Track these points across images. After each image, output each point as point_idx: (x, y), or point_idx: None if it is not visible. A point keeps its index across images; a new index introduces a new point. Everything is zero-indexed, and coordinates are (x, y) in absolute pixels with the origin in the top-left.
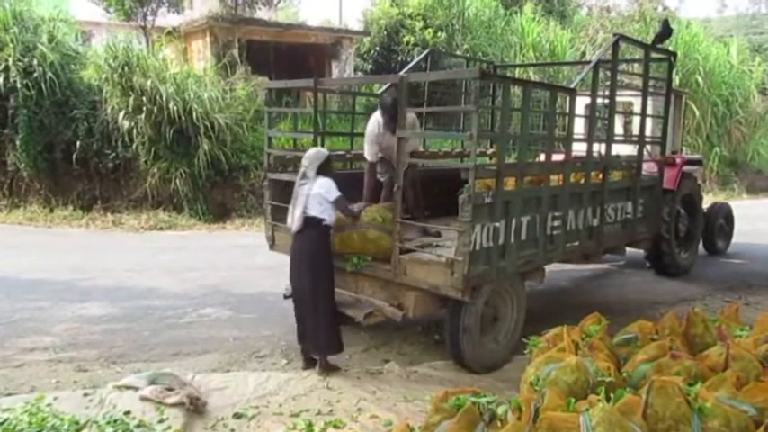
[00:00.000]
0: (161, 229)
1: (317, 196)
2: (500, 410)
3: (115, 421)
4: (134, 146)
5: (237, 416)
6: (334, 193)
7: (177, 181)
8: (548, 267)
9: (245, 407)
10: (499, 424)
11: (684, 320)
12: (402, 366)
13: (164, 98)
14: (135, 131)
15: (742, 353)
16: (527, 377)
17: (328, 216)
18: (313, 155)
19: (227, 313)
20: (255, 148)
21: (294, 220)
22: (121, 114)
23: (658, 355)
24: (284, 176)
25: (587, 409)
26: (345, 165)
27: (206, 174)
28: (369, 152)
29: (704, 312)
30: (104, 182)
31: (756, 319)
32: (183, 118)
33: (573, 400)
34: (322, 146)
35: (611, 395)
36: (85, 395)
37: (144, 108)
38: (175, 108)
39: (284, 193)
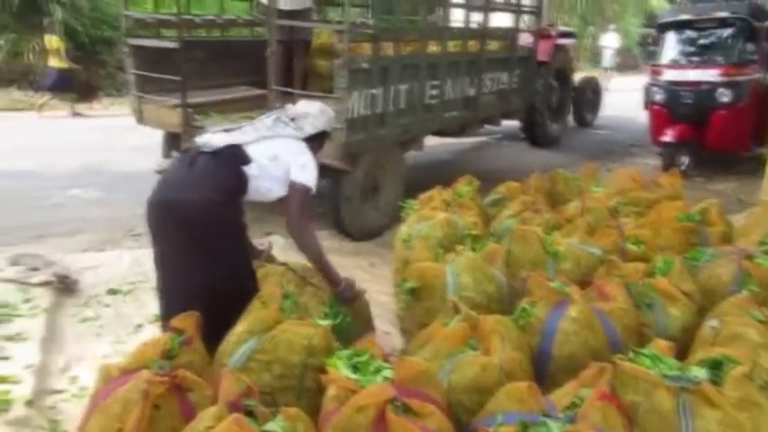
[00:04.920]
0: (18, 109)
1: (279, 156)
2: None
3: None
4: None
5: (113, 292)
6: (311, 176)
7: (30, 55)
8: (428, 141)
9: (121, 283)
10: None
11: (548, 180)
12: (285, 238)
13: None
14: None
15: (595, 205)
16: (400, 235)
17: (264, 187)
18: (325, 110)
19: (98, 194)
20: (119, 18)
21: (216, 139)
22: None
23: (522, 211)
24: (146, 42)
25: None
26: (209, 32)
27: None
28: None
29: (565, 172)
30: None
31: (609, 178)
32: None
33: (441, 251)
34: (188, 11)
35: (477, 246)
36: None
37: None
38: None
39: (149, 60)
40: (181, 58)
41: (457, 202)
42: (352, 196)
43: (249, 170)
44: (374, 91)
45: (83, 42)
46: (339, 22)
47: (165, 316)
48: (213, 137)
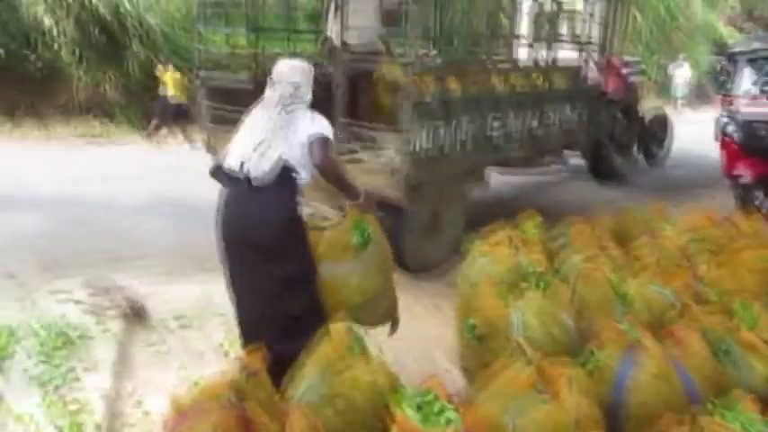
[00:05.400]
0: (94, 137)
1: (303, 139)
2: None
3: (50, 325)
4: (57, 47)
5: (178, 318)
6: (324, 127)
7: (107, 87)
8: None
9: (187, 311)
10: None
11: (615, 217)
12: None
13: None
14: (56, 31)
15: (666, 245)
16: (463, 272)
17: (305, 170)
18: (307, 69)
19: (167, 222)
20: (190, 51)
21: (256, 164)
22: (40, 9)
23: (588, 249)
24: (217, 74)
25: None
26: None
27: (139, 80)
28: None
29: (633, 209)
30: (27, 88)
31: (681, 217)
32: (110, 18)
33: (506, 289)
34: (258, 46)
35: (542, 285)
36: (18, 301)
37: (65, 3)
38: (101, 6)
39: (219, 93)
40: (251, 92)
41: (521, 238)
42: (413, 229)
43: (299, 177)
44: (438, 125)
45: (158, 75)
46: (404, 56)
47: (251, 339)
48: (257, 165)
